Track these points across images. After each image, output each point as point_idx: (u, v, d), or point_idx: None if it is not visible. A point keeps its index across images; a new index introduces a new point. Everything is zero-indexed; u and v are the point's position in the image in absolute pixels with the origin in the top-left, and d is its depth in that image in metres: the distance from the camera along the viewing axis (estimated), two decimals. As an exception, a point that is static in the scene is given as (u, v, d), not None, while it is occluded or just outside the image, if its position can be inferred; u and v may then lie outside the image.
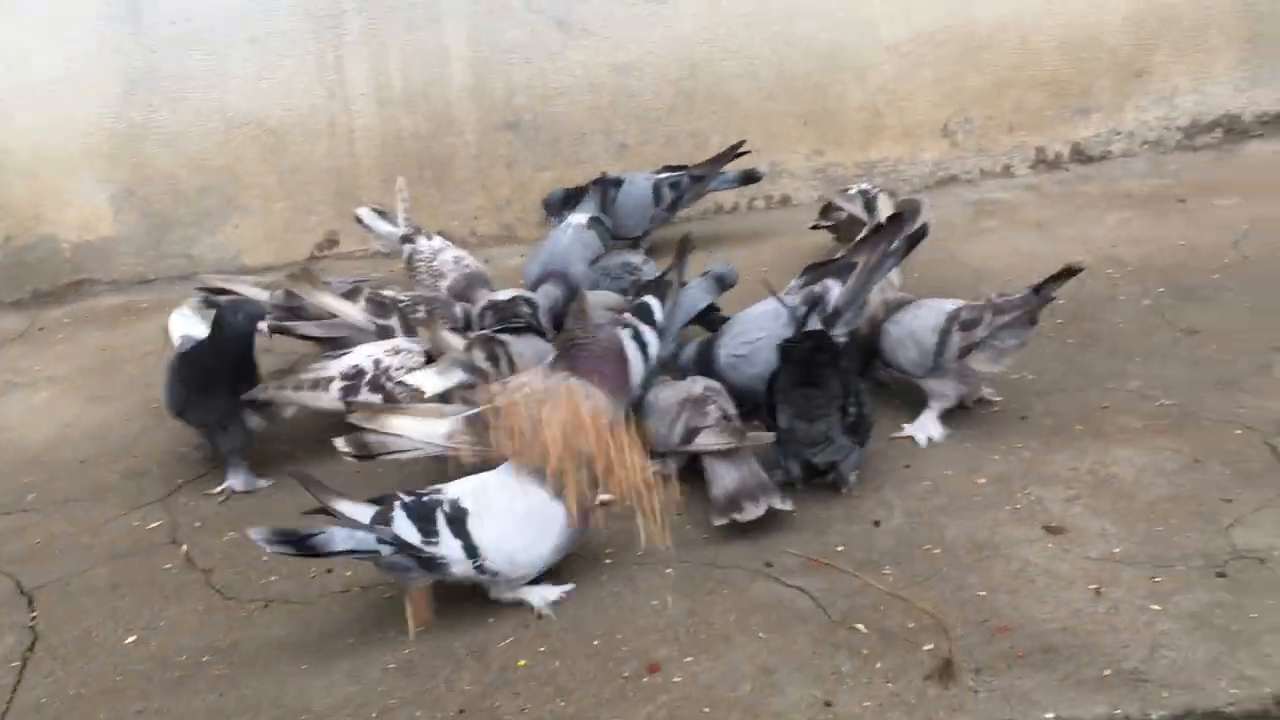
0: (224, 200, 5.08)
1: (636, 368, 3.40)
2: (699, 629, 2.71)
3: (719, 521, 3.06)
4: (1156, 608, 2.63)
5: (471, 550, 2.71)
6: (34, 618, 2.97)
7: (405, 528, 2.69)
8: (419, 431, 3.05)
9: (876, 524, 3.04)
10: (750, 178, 4.99)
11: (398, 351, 3.56)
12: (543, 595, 2.83)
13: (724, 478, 3.13)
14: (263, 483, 3.47)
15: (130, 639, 2.86)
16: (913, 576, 2.82)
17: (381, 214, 4.56)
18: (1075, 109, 5.43)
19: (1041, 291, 3.33)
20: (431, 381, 3.34)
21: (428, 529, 2.70)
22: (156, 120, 4.92)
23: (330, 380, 3.46)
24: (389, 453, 3.05)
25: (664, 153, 5.18)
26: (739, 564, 2.93)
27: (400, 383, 3.46)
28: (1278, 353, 3.69)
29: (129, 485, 3.56)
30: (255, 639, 2.81)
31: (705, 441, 3.18)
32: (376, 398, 3.44)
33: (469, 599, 2.87)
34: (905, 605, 2.71)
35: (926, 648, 2.57)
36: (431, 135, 5.10)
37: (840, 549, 2.95)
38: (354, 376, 3.48)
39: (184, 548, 3.22)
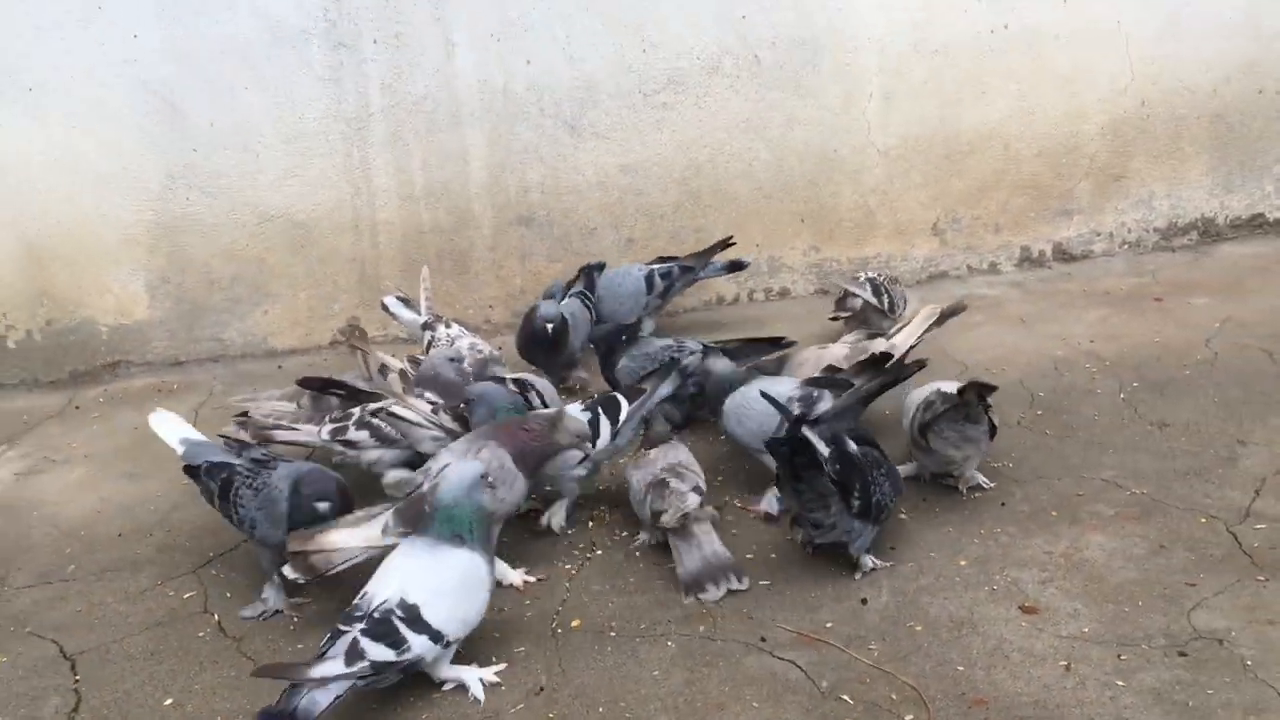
0: (254, 288, 5.37)
1: (571, 455, 3.70)
2: (696, 699, 2.91)
3: (686, 599, 3.33)
4: (1121, 684, 2.84)
5: (437, 636, 2.90)
6: (77, 681, 3.17)
7: (377, 651, 2.83)
8: (357, 540, 3.28)
9: (864, 602, 3.26)
10: (736, 266, 5.34)
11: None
12: (479, 677, 3.01)
13: (685, 559, 3.41)
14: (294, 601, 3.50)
15: (168, 701, 3.05)
16: (897, 651, 3.03)
17: (405, 301, 4.87)
18: (1057, 210, 5.74)
19: (964, 394, 3.60)
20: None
21: (396, 641, 2.85)
22: (193, 213, 5.22)
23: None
24: (334, 567, 3.25)
25: (669, 246, 5.49)
26: (735, 638, 3.14)
27: (390, 413, 3.83)
28: (1242, 446, 3.94)
29: (163, 557, 3.78)
30: (285, 703, 3.01)
31: (667, 520, 3.44)
32: (363, 434, 3.82)
33: (482, 667, 3.08)
34: (889, 678, 2.92)
35: (908, 718, 2.78)
36: (451, 229, 5.41)
37: (830, 625, 3.17)
38: (343, 418, 3.90)
39: (216, 617, 3.42)
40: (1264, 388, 4.33)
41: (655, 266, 5.11)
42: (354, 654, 2.81)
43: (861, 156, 5.56)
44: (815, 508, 3.32)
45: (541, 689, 2.99)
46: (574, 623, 3.25)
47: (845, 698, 2.87)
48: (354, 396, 4.04)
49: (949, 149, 5.59)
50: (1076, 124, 5.62)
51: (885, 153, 5.56)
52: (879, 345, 4.21)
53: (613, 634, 3.20)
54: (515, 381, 4.08)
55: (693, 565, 3.39)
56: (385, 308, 4.89)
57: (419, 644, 2.87)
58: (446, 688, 3.01)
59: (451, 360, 4.20)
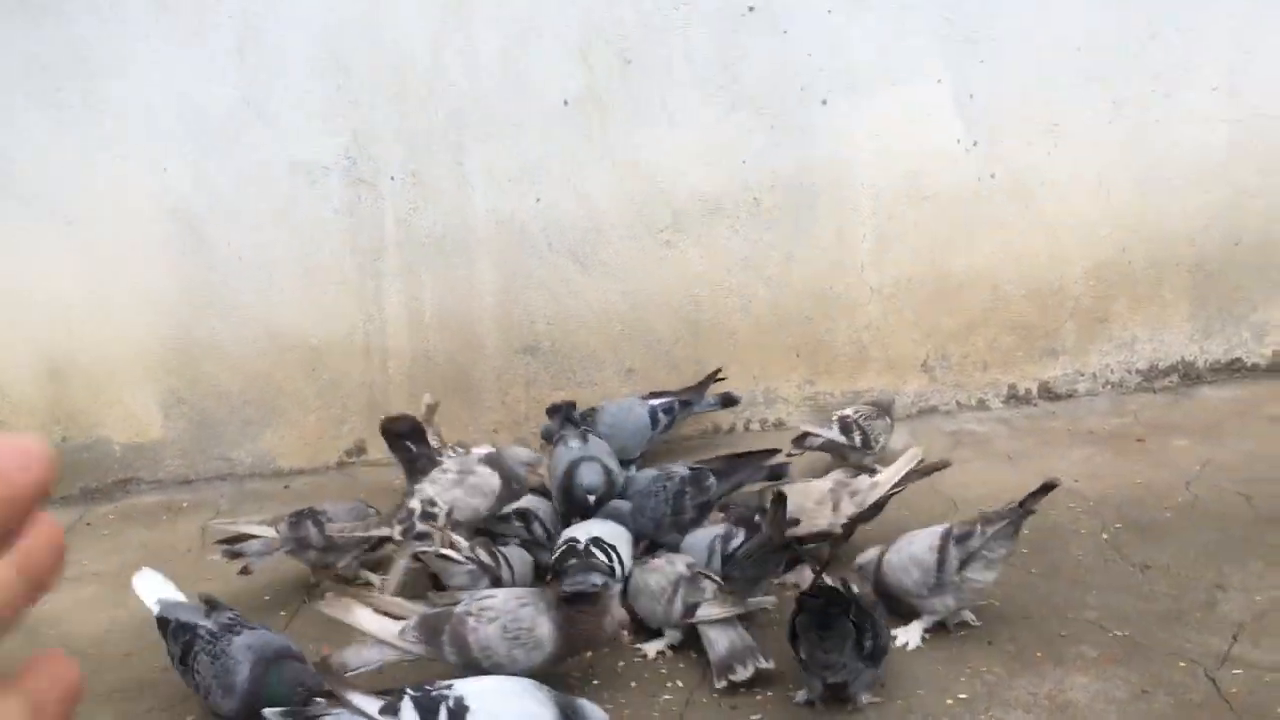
0: (265, 409, 5.54)
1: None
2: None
3: (720, 684, 3.52)
4: (1103, 828, 2.94)
5: None
6: (83, 804, 3.24)
7: (410, 718, 2.99)
8: (375, 625, 3.43)
9: (854, 741, 3.36)
10: (729, 401, 5.53)
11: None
12: None
13: (717, 643, 3.62)
14: None
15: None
16: (884, 792, 3.13)
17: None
18: (1043, 350, 5.95)
19: (1025, 505, 3.80)
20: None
21: None
22: (209, 335, 5.42)
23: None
24: (352, 670, 3.39)
25: (669, 376, 5.68)
26: (727, 775, 3.24)
27: (439, 555, 3.94)
28: (1221, 590, 4.06)
29: (168, 680, 3.84)
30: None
31: (706, 613, 3.65)
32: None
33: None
34: (877, 819, 3.01)
35: None
36: (458, 356, 5.60)
37: (820, 764, 3.27)
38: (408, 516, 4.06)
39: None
40: (1242, 532, 4.47)
41: (655, 402, 5.28)
42: (392, 706, 2.98)
43: (855, 294, 5.78)
44: (832, 649, 3.44)
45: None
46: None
47: (835, 838, 2.95)
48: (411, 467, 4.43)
49: (939, 288, 5.82)
50: (1061, 267, 5.86)
51: (878, 290, 5.79)
52: (864, 483, 4.38)
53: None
54: (518, 514, 4.22)
55: (723, 648, 3.59)
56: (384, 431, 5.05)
57: None
58: None
59: (525, 463, 4.37)
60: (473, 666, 3.40)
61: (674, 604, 3.73)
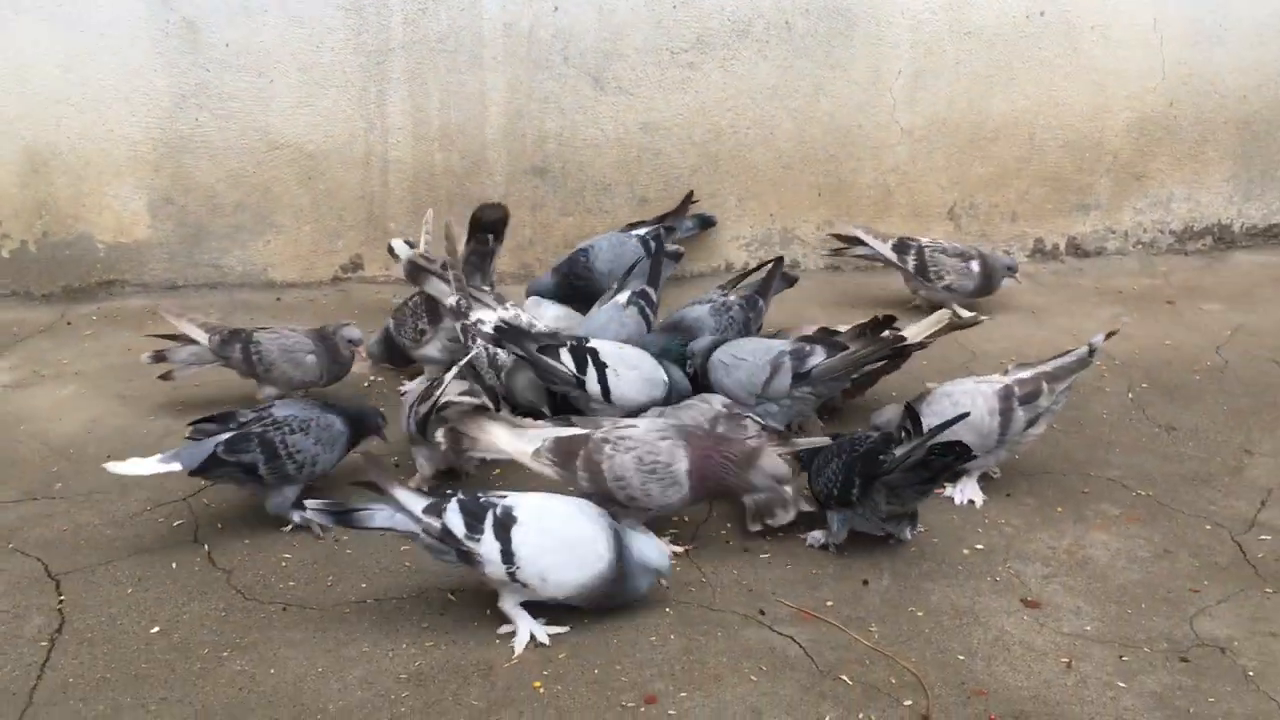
0: (257, 217, 5.26)
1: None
2: (693, 667, 2.88)
3: (754, 527, 3.39)
4: (1122, 685, 2.82)
5: (508, 556, 2.88)
6: (61, 601, 3.11)
7: (454, 520, 2.88)
8: (509, 443, 3.28)
9: (865, 583, 3.22)
10: (707, 222, 5.41)
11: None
12: (532, 630, 2.96)
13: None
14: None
15: (155, 629, 3.00)
16: (897, 635, 3.00)
17: (411, 247, 4.76)
18: (1075, 205, 5.69)
19: (1094, 350, 3.63)
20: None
21: (474, 525, 2.89)
22: (201, 135, 5.10)
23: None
24: (471, 457, 3.40)
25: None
26: (733, 609, 3.10)
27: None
28: (1249, 455, 3.92)
29: (153, 483, 3.67)
30: (274, 640, 2.96)
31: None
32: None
33: (477, 619, 3.04)
34: (888, 662, 2.89)
35: (906, 703, 2.75)
36: (463, 173, 5.31)
37: (830, 604, 3.13)
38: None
39: (206, 547, 3.36)
40: (1273, 399, 4.31)
41: (640, 232, 4.99)
42: (436, 509, 2.89)
43: (885, 134, 5.48)
44: (894, 500, 3.24)
45: (537, 644, 2.94)
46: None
47: (844, 678, 2.83)
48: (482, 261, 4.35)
49: (974, 134, 5.52)
50: (1103, 118, 5.56)
51: (909, 132, 5.48)
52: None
53: (610, 596, 3.16)
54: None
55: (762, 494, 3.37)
56: (392, 251, 4.78)
57: (488, 547, 2.88)
58: (502, 630, 2.99)
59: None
60: (607, 497, 3.20)
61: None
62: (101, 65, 4.98)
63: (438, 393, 3.46)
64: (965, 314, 4.29)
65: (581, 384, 3.75)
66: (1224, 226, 5.79)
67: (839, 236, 5.23)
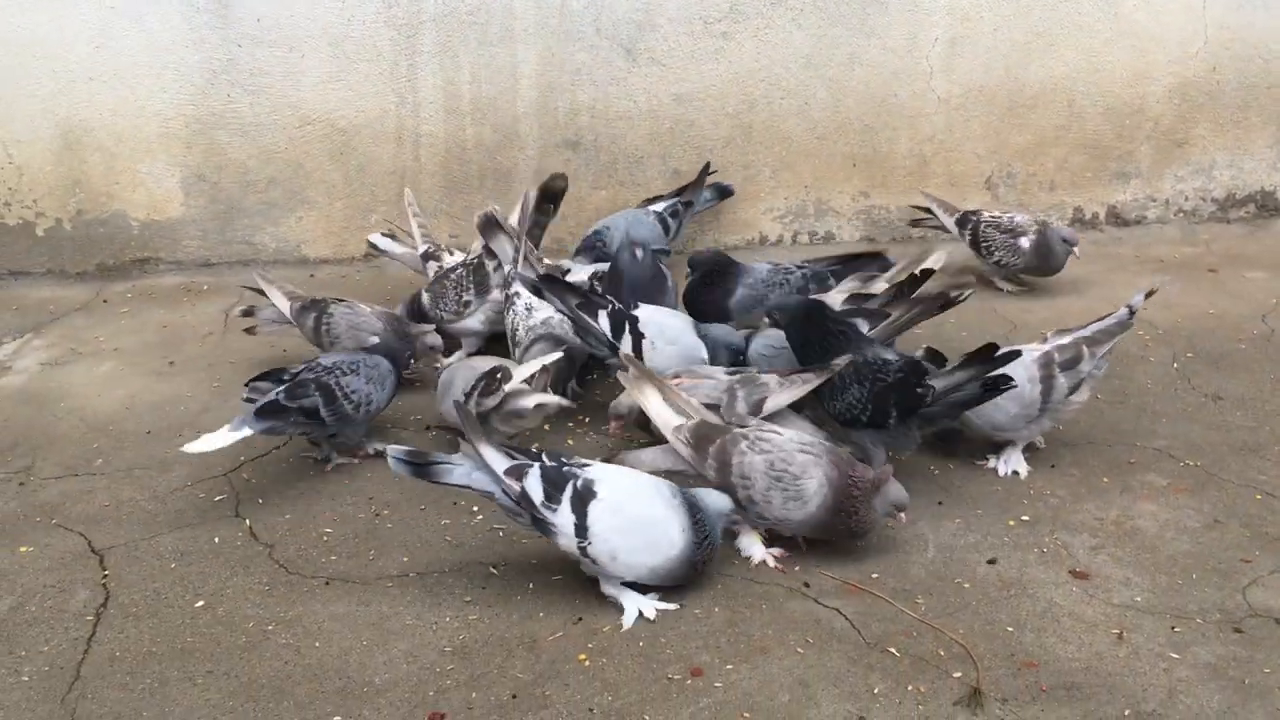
0: (289, 193, 5.25)
1: None
2: (739, 639, 2.85)
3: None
4: (1175, 656, 2.78)
5: (581, 530, 2.86)
6: (105, 576, 3.12)
7: (534, 486, 2.88)
8: (659, 412, 3.26)
9: (909, 555, 3.18)
10: (725, 192, 5.30)
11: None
12: (639, 604, 2.95)
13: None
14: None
15: (199, 603, 3.00)
16: (944, 607, 2.96)
17: (393, 237, 4.74)
18: (1115, 173, 5.60)
19: (1133, 311, 3.58)
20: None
21: (552, 495, 2.88)
22: (233, 111, 5.09)
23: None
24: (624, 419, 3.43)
25: (717, 181, 5.36)
26: (778, 582, 3.08)
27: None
28: (1300, 424, 3.85)
29: (193, 459, 3.67)
30: (318, 613, 2.96)
31: (777, 402, 3.40)
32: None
33: (520, 593, 3.02)
34: (936, 634, 2.86)
35: (956, 675, 2.72)
36: (495, 147, 5.27)
37: (875, 576, 3.10)
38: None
39: (247, 522, 3.36)
40: (1322, 368, 4.23)
41: (657, 208, 4.94)
42: (518, 472, 2.89)
43: (921, 103, 5.40)
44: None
45: (580, 619, 2.93)
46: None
47: (892, 650, 2.80)
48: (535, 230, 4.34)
49: (1012, 101, 5.43)
50: (1144, 85, 5.46)
51: (945, 100, 5.40)
52: (878, 286, 4.12)
53: (653, 569, 3.14)
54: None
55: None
56: (373, 246, 4.78)
57: (563, 518, 2.87)
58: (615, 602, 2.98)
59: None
60: (729, 492, 3.12)
61: (735, 408, 3.44)
62: (132, 41, 4.97)
63: (507, 388, 3.45)
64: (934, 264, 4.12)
65: (615, 349, 3.72)
66: (1267, 194, 5.68)
67: (918, 207, 5.19)
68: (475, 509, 3.41)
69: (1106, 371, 3.75)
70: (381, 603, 3.00)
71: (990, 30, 5.30)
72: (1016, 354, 3.38)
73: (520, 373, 3.48)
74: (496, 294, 4.16)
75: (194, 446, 3.30)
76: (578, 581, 3.06)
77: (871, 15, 5.23)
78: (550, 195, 4.37)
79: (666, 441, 3.29)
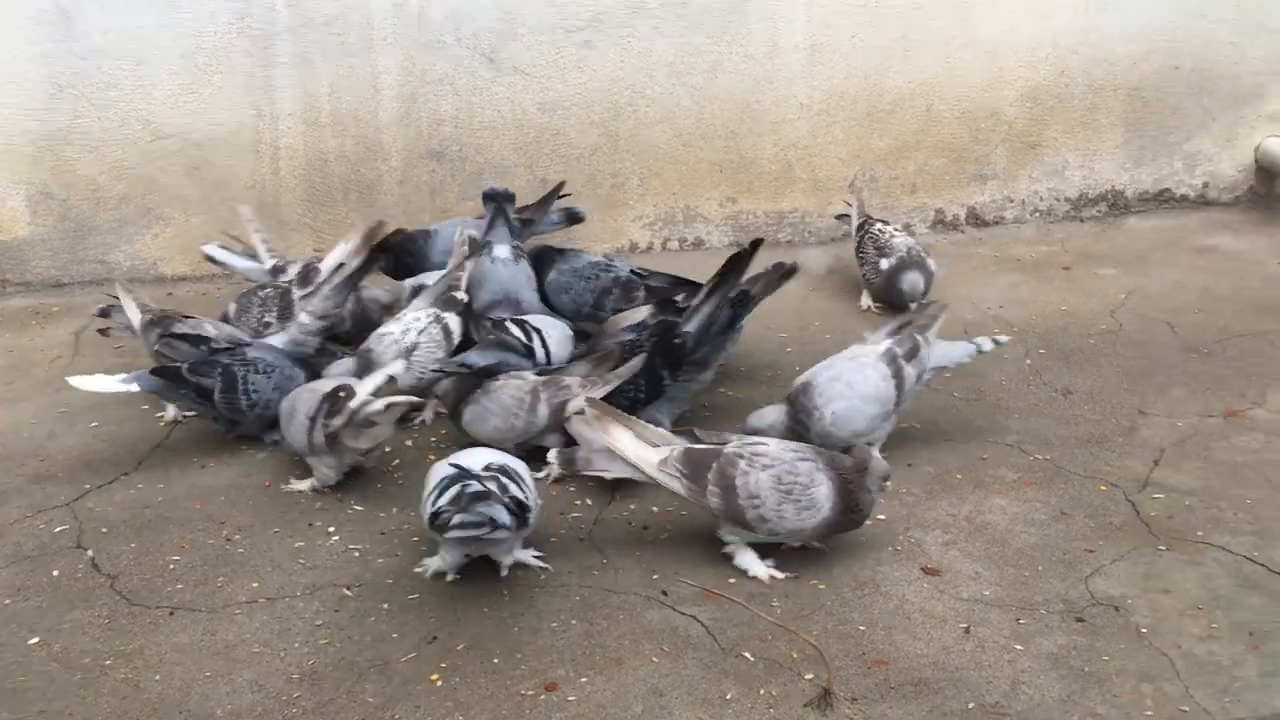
0: (143, 210, 5.10)
1: None
2: (595, 651, 2.84)
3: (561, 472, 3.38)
4: (1019, 647, 2.84)
5: None
6: (-66, 616, 2.98)
7: None
8: (633, 451, 3.11)
9: (766, 558, 3.21)
10: (573, 218, 4.96)
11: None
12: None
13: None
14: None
15: (33, 640, 2.88)
16: (799, 609, 2.99)
17: (227, 250, 4.54)
18: (973, 175, 5.74)
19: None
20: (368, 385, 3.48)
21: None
22: (80, 126, 4.92)
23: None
24: (593, 470, 3.17)
25: (585, 191, 5.35)
26: (636, 590, 3.07)
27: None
28: (1143, 416, 3.98)
29: (35, 489, 3.57)
30: (160, 645, 2.86)
31: (580, 403, 3.42)
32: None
33: (374, 614, 2.97)
34: (790, 636, 2.88)
35: (808, 677, 2.74)
36: (358, 159, 5.19)
37: (732, 581, 3.11)
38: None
39: (90, 553, 3.24)
40: (1166, 360, 4.39)
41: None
42: None
43: (784, 109, 5.47)
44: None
45: (435, 638, 2.88)
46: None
47: (746, 654, 2.82)
48: None
49: (872, 107, 5.53)
50: (997, 89, 5.61)
51: (808, 106, 5.48)
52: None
53: (511, 584, 3.10)
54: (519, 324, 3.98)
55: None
56: (210, 259, 4.54)
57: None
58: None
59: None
60: (735, 516, 3.08)
61: (538, 410, 3.51)
62: (-30, 56, 4.78)
63: (353, 404, 3.38)
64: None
65: (531, 351, 3.79)
66: (1117, 192, 5.89)
67: (847, 201, 5.16)
68: (331, 529, 3.35)
69: (960, 369, 3.85)
70: (228, 631, 2.92)
71: (848, 37, 5.40)
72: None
73: (365, 387, 3.42)
74: (305, 319, 4.02)
75: (80, 381, 3.45)
76: (434, 599, 3.03)
77: (733, 23, 5.28)
78: (386, 247, 4.25)
79: (638, 479, 3.18)
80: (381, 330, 3.96)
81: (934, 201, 5.74)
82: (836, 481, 3.08)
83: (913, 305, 4.53)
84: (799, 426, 3.51)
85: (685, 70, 5.33)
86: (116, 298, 4.14)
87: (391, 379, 3.47)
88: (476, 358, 3.78)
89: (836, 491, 3.07)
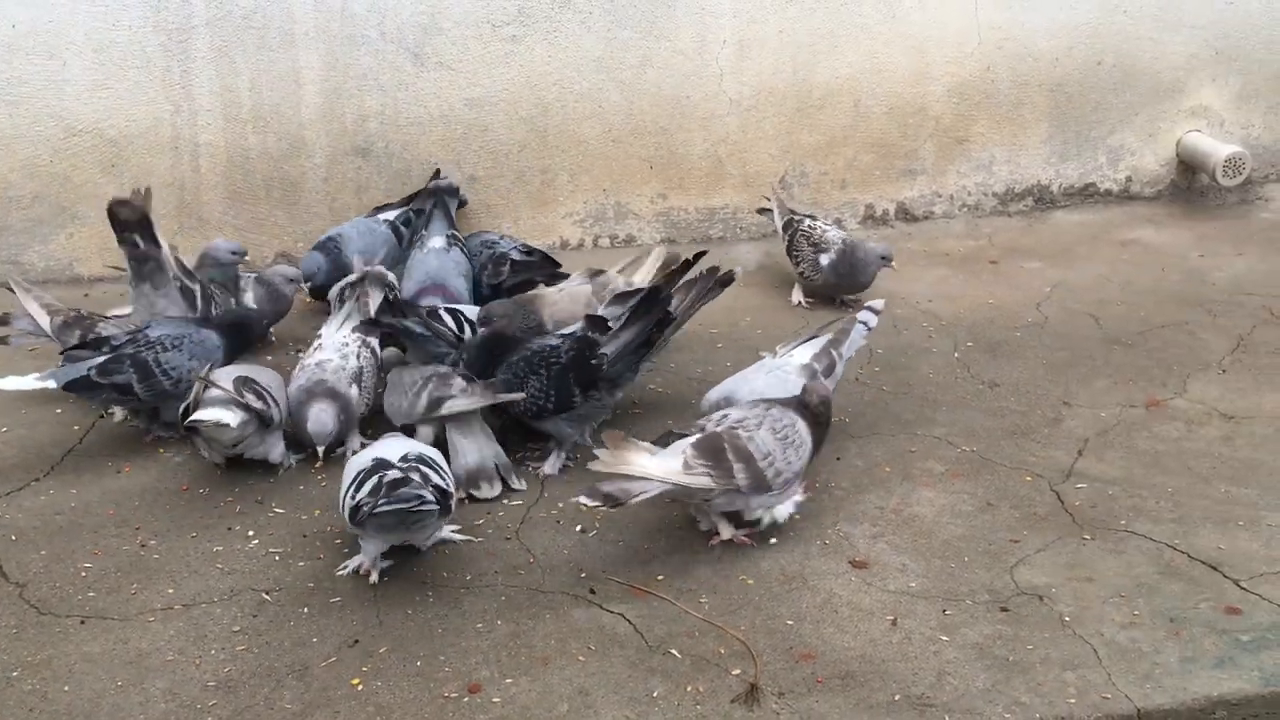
0: (58, 209, 4.95)
1: None
2: (520, 651, 2.80)
3: (459, 494, 3.31)
4: (945, 638, 2.85)
5: None
6: None
7: None
8: (659, 467, 3.00)
9: (696, 554, 3.19)
10: (459, 201, 5.14)
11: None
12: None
13: (466, 454, 3.46)
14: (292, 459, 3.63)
15: (-65, 654, 2.78)
16: (727, 605, 2.97)
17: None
18: (902, 170, 5.77)
19: (869, 327, 3.85)
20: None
21: None
22: (-11, 123, 4.77)
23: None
24: (634, 498, 2.97)
25: (514, 188, 5.32)
26: (563, 589, 3.04)
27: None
28: (1067, 406, 4.02)
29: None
30: (70, 654, 2.77)
31: (453, 406, 3.45)
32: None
33: (293, 619, 2.90)
34: (718, 632, 2.86)
35: (735, 672, 2.72)
36: (280, 156, 5.08)
37: (660, 577, 3.09)
38: None
39: (-2, 562, 3.14)
40: (1089, 351, 4.44)
41: (390, 215, 4.88)
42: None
43: (713, 104, 5.45)
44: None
45: (356, 641, 2.83)
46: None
47: (674, 651, 2.80)
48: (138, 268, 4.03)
49: (800, 102, 5.54)
50: (924, 84, 5.64)
51: (737, 102, 5.47)
52: (618, 282, 4.20)
53: (436, 584, 3.05)
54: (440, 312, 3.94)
55: (472, 460, 3.46)
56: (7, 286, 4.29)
57: None
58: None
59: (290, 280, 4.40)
60: (760, 482, 3.08)
61: (420, 398, 3.51)
62: None
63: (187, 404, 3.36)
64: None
65: (460, 340, 3.78)
66: (1043, 187, 5.96)
67: (768, 197, 5.20)
68: (250, 533, 3.27)
69: (889, 363, 3.88)
70: (141, 639, 2.83)
71: (776, 33, 5.40)
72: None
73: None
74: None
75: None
76: (356, 601, 2.97)
77: (660, 18, 5.26)
78: (122, 224, 3.95)
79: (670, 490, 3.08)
80: (320, 358, 3.72)
81: (864, 197, 5.76)
82: (804, 414, 3.26)
83: (891, 267, 4.82)
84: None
85: (613, 65, 5.29)
86: (13, 301, 4.01)
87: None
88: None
89: (808, 423, 3.25)
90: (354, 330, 3.85)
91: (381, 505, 2.85)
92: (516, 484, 3.50)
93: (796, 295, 4.97)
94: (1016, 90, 5.76)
